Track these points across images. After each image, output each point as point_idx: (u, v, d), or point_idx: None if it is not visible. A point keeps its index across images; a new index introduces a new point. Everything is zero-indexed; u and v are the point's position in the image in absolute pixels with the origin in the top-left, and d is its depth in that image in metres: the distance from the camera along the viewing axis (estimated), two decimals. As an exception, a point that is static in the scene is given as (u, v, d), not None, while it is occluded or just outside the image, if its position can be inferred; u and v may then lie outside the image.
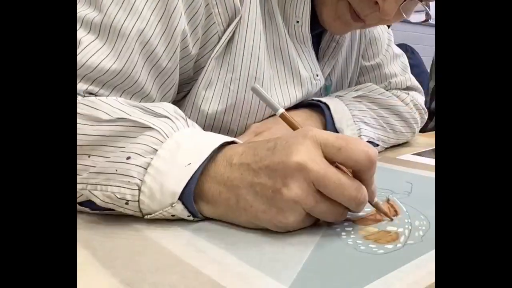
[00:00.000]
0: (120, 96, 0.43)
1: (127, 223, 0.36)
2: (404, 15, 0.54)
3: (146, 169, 0.34)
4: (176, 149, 0.35)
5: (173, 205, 0.34)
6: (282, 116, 0.42)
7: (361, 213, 0.39)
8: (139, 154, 0.34)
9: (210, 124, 0.56)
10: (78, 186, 0.36)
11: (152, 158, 0.34)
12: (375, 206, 0.38)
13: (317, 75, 0.63)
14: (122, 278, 0.27)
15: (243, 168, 0.34)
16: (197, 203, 0.36)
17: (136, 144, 0.35)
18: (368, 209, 0.40)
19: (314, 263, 0.30)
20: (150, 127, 0.36)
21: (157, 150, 0.35)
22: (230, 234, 0.34)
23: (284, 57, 0.59)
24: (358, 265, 0.29)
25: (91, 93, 0.41)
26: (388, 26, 0.79)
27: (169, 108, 0.39)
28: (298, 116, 0.61)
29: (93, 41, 0.41)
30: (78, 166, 0.36)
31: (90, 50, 0.41)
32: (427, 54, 2.62)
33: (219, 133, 0.57)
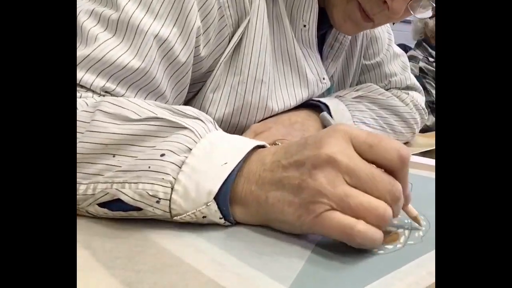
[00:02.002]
0: (135, 95, 0.43)
1: (127, 223, 0.36)
2: (412, 13, 0.55)
3: (180, 167, 0.33)
4: (211, 149, 0.34)
5: (208, 204, 0.33)
6: None
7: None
8: (173, 152, 0.34)
9: None
10: (101, 186, 0.34)
11: (186, 157, 0.34)
12: (408, 212, 0.35)
13: (323, 78, 0.63)
14: (122, 278, 0.27)
15: (274, 165, 0.34)
16: (230, 205, 0.35)
17: (170, 142, 0.34)
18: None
19: (314, 263, 0.30)
20: (184, 127, 0.35)
21: (191, 149, 0.34)
22: (230, 234, 0.34)
23: (291, 60, 0.59)
24: (358, 265, 0.29)
25: (107, 92, 0.41)
26: (393, 23, 0.79)
27: (196, 110, 0.39)
28: (297, 116, 0.61)
29: (111, 38, 0.41)
30: (100, 166, 0.35)
31: (108, 45, 0.41)
32: (427, 54, 2.62)
33: None
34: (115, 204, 0.35)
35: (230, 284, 0.27)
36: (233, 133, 0.57)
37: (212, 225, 0.36)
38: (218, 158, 0.34)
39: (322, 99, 0.65)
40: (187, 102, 0.55)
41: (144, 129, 0.35)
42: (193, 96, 0.55)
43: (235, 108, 0.55)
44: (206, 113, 0.53)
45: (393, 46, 0.79)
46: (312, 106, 0.64)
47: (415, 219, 0.36)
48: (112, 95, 0.41)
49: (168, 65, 0.45)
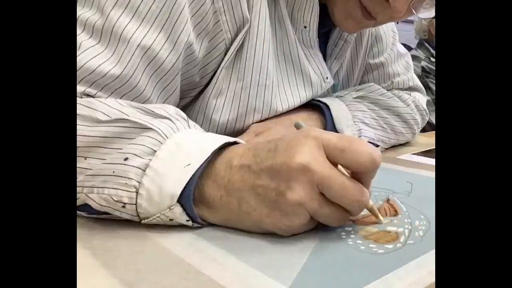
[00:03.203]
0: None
1: (127, 223, 0.36)
2: (414, 12, 0.55)
3: (144, 170, 0.33)
4: (176, 150, 0.34)
5: (172, 208, 0.33)
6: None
7: (361, 213, 0.39)
8: (137, 155, 0.34)
9: (221, 132, 0.55)
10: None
11: (150, 160, 0.33)
12: (371, 209, 0.37)
13: (326, 78, 0.63)
14: (122, 278, 0.27)
15: (244, 170, 0.33)
16: (197, 208, 0.34)
17: (134, 145, 0.34)
18: (368, 209, 0.40)
19: (314, 263, 0.30)
20: (149, 128, 0.35)
21: (156, 151, 0.34)
22: (230, 234, 0.34)
23: (294, 61, 0.59)
24: (358, 265, 0.29)
25: (88, 95, 0.41)
26: (397, 22, 0.79)
27: (170, 109, 0.39)
28: (298, 117, 0.61)
29: (94, 45, 0.41)
30: None
31: (90, 53, 0.40)
32: (428, 55, 2.61)
33: None
34: (88, 207, 0.35)
35: (230, 284, 0.27)
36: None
37: (212, 225, 0.36)
38: (182, 160, 0.33)
39: (322, 99, 0.65)
40: (189, 110, 0.55)
41: (112, 130, 0.35)
42: (195, 101, 0.54)
43: (239, 114, 0.55)
44: (210, 119, 0.53)
45: (397, 45, 0.79)
46: (313, 106, 0.64)
47: (377, 216, 0.37)
48: (94, 98, 0.41)
49: (153, 72, 0.45)
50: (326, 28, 0.64)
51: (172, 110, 0.39)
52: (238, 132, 0.57)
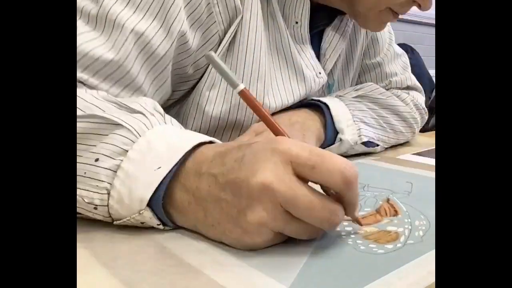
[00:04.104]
0: (111, 87, 0.43)
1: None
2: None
3: (115, 172, 0.32)
4: (147, 149, 0.33)
5: (141, 212, 0.32)
6: (242, 94, 0.37)
7: (361, 213, 0.39)
8: (108, 156, 0.33)
9: (215, 125, 0.56)
10: None
11: (121, 160, 0.33)
12: (358, 222, 0.35)
13: (319, 73, 0.64)
14: (122, 278, 0.27)
15: (211, 180, 0.32)
16: (167, 211, 0.34)
17: (106, 144, 0.34)
18: (368, 209, 0.40)
19: (314, 263, 0.30)
20: (121, 125, 0.34)
21: (127, 151, 0.33)
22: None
23: (287, 56, 0.60)
24: (358, 265, 0.29)
25: (80, 81, 0.41)
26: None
27: (146, 103, 0.38)
28: (298, 116, 0.61)
29: (90, 31, 0.42)
30: None
31: (84, 38, 0.41)
32: (427, 54, 2.62)
33: (223, 133, 0.58)
34: None
35: (230, 284, 0.27)
36: (232, 130, 0.57)
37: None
38: (153, 162, 0.32)
39: (322, 99, 0.65)
40: (183, 102, 0.55)
41: (85, 127, 0.34)
42: (188, 95, 0.55)
43: (232, 106, 0.55)
44: (203, 112, 0.54)
45: (393, 45, 0.80)
46: (313, 106, 0.64)
47: (356, 221, 0.35)
48: (85, 85, 0.41)
49: (146, 59, 0.45)
50: (320, 28, 0.64)
51: (149, 104, 0.38)
52: (231, 125, 0.57)
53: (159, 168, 0.32)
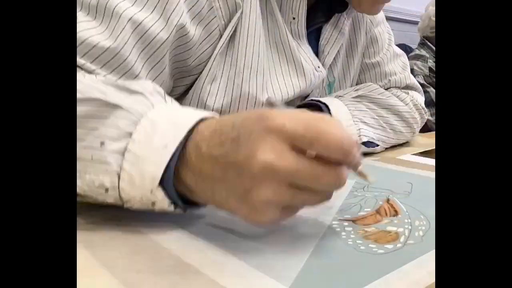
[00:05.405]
0: (108, 75, 0.43)
1: (127, 223, 0.36)
2: None
3: (123, 154, 0.33)
4: (152, 129, 0.33)
5: (153, 191, 0.33)
6: None
7: (361, 213, 0.39)
8: (113, 139, 0.33)
9: None
10: None
11: (127, 143, 0.33)
12: (359, 173, 0.34)
13: (318, 67, 0.65)
14: (122, 279, 0.27)
15: (212, 162, 0.32)
16: (177, 191, 0.34)
17: (109, 128, 0.34)
18: (368, 209, 0.40)
19: (314, 263, 0.30)
20: (120, 107, 0.34)
21: (131, 133, 0.33)
22: (230, 234, 0.34)
23: (286, 50, 0.60)
24: (358, 265, 0.29)
25: (78, 66, 0.41)
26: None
27: (146, 84, 0.38)
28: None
29: (89, 21, 0.43)
30: None
31: (83, 26, 0.42)
32: (427, 54, 2.61)
33: None
34: None
35: (230, 284, 0.27)
36: None
37: (212, 225, 0.36)
38: (159, 140, 0.33)
39: (322, 99, 0.65)
40: (184, 97, 0.56)
41: (85, 109, 0.34)
42: (189, 89, 0.55)
43: (233, 99, 0.56)
44: (204, 105, 0.54)
45: (393, 46, 0.80)
46: (313, 106, 0.64)
47: (360, 174, 0.34)
48: (82, 69, 0.42)
49: (144, 47, 0.46)
50: (317, 25, 0.65)
51: (148, 85, 0.38)
52: None
53: (165, 147, 0.32)
